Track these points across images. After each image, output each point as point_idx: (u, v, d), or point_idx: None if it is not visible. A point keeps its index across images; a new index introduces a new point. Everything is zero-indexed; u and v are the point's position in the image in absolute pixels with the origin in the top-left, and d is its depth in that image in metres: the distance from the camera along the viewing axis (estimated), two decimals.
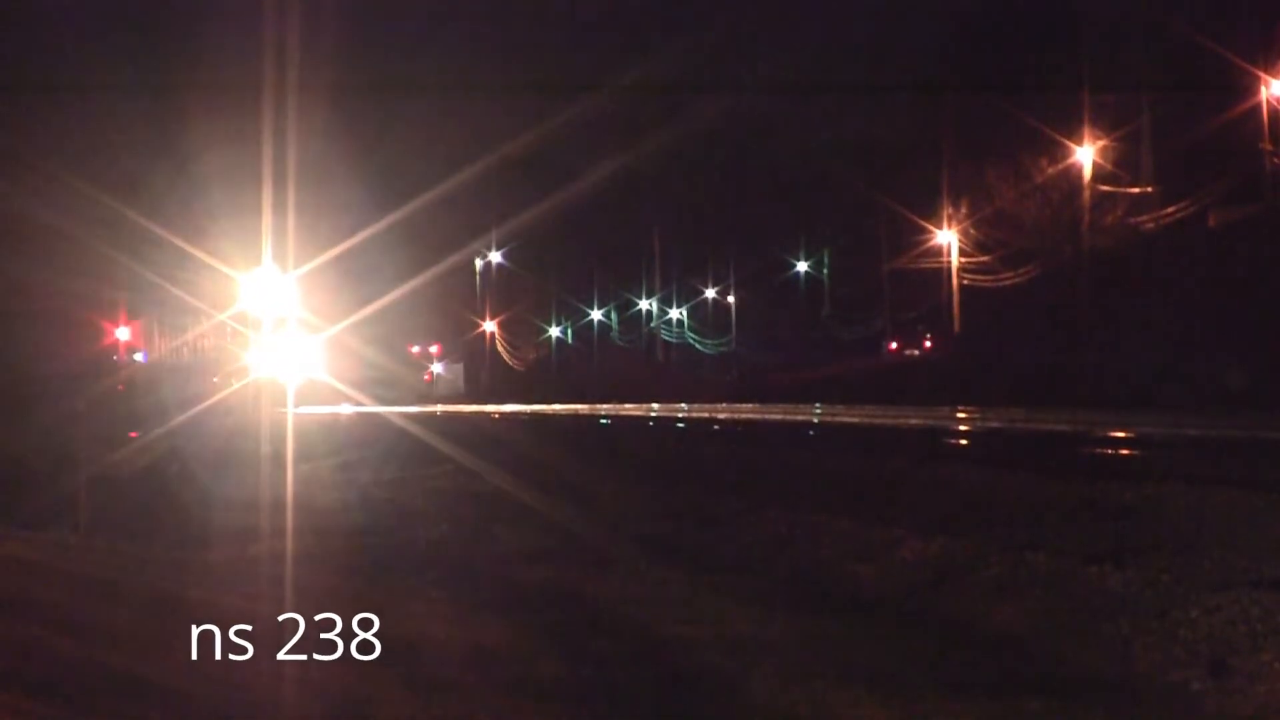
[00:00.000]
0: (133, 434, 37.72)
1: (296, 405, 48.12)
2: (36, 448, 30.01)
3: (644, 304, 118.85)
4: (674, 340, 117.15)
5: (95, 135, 48.53)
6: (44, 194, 42.39)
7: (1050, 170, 64.59)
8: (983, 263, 70.04)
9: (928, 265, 75.12)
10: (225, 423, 41.06)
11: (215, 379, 52.98)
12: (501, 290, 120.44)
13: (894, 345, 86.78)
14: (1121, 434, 32.94)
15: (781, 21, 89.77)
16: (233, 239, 48.92)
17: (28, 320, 41.38)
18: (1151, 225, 60.04)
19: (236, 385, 51.08)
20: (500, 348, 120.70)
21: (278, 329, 50.58)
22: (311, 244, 52.38)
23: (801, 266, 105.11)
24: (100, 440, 31.85)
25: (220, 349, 58.59)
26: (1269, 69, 54.49)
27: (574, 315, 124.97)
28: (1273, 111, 54.79)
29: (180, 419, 39.77)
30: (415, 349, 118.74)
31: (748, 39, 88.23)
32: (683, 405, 71.98)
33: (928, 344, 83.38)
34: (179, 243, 46.87)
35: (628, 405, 75.31)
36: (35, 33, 54.56)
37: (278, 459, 30.81)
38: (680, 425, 51.48)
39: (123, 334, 49.40)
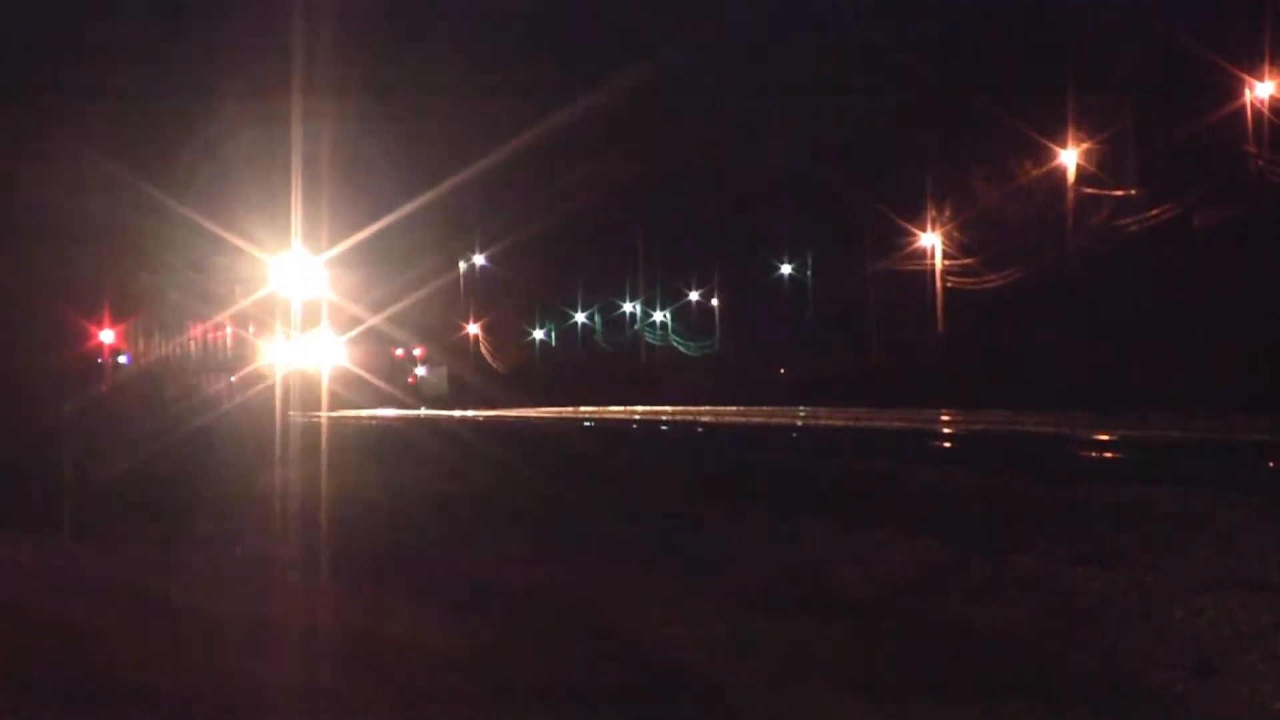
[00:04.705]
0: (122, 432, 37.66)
1: (296, 407, 47.96)
2: (26, 448, 29.96)
3: (628, 307, 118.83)
4: (658, 343, 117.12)
5: (100, 119, 48.34)
6: (39, 183, 42.28)
7: (1034, 172, 64.72)
8: (967, 265, 70.14)
9: (912, 267, 75.17)
10: (219, 422, 40.98)
11: (223, 377, 52.81)
12: (485, 293, 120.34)
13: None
14: (1105, 436, 33.03)
15: (767, 24, 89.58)
16: (242, 230, 48.68)
17: (17, 319, 41.23)
18: (1135, 227, 60.13)
19: (228, 381, 50.97)
20: (484, 351, 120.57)
21: (291, 327, 50.46)
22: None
23: (785, 269, 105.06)
24: (90, 440, 31.82)
25: (225, 345, 58.49)
26: (1253, 71, 54.63)
27: (558, 318, 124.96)
28: (1257, 114, 54.93)
29: (174, 417, 39.70)
30: (399, 351, 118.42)
31: (733, 41, 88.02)
32: (666, 408, 72.02)
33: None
34: (205, 223, 46.60)
35: (612, 408, 75.36)
36: (34, 25, 54.42)
37: (266, 461, 30.85)
38: (664, 428, 51.52)
39: (107, 336, 49.21)
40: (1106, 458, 28.01)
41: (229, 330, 59.92)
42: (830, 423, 47.54)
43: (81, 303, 45.66)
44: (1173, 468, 22.61)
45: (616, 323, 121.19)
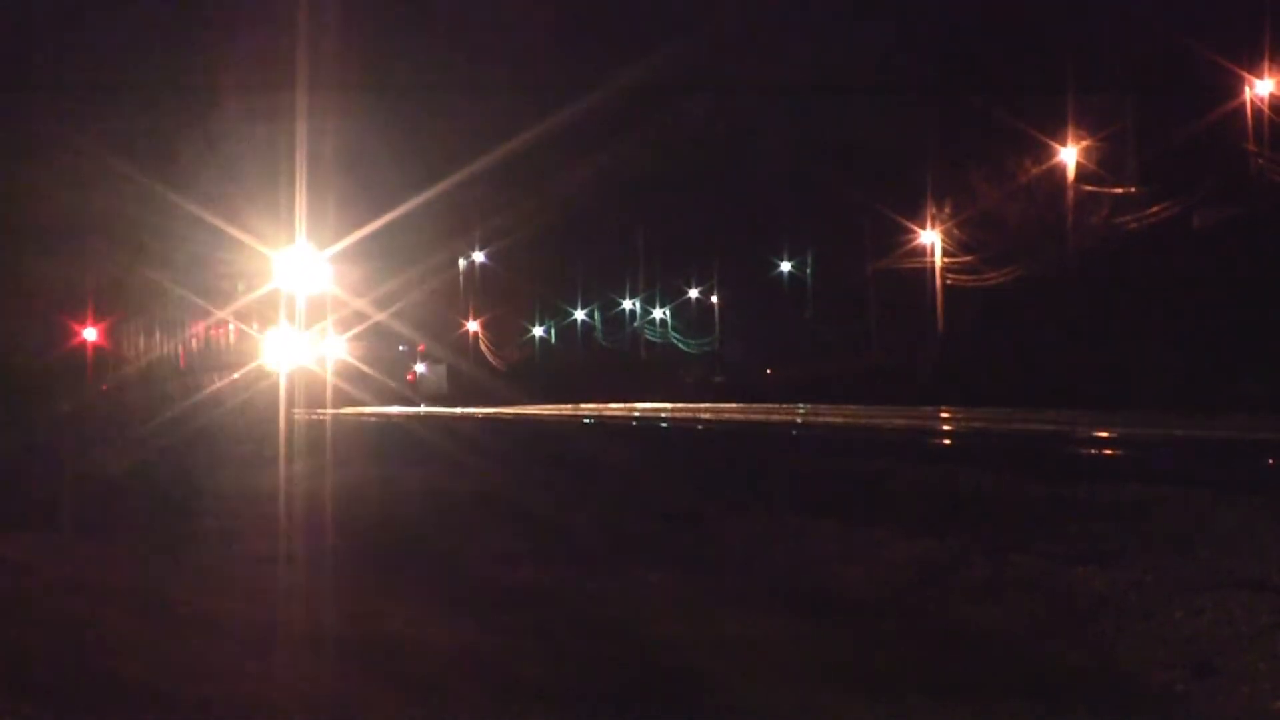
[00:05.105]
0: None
1: (298, 404, 47.84)
2: (26, 446, 29.95)
3: (627, 304, 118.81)
4: (657, 340, 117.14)
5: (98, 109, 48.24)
6: (38, 179, 42.15)
7: (1034, 171, 64.71)
8: (967, 263, 70.11)
9: (911, 265, 75.12)
10: (221, 419, 40.91)
11: (226, 374, 52.61)
12: (485, 290, 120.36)
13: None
14: (1106, 434, 33.00)
15: (767, 23, 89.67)
16: (245, 224, 48.46)
17: (14, 316, 41.17)
18: (1135, 226, 60.10)
19: (235, 378, 50.83)
20: (484, 348, 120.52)
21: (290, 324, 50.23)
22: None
23: (785, 266, 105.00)
24: (91, 438, 31.81)
25: (227, 341, 58.28)
26: (1253, 69, 54.64)
27: (558, 315, 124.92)
28: (1257, 112, 54.94)
29: (175, 415, 39.64)
30: (401, 348, 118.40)
31: (733, 40, 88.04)
32: (666, 405, 71.95)
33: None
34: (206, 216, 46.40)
35: (612, 405, 75.27)
36: (34, 19, 54.30)
37: (266, 459, 30.83)
38: (663, 425, 51.44)
39: (108, 333, 49.05)
40: (1106, 457, 27.95)
41: (231, 326, 59.76)
42: (830, 420, 47.44)
43: (81, 299, 45.55)
44: (1173, 467, 22.58)
45: (616, 320, 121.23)
